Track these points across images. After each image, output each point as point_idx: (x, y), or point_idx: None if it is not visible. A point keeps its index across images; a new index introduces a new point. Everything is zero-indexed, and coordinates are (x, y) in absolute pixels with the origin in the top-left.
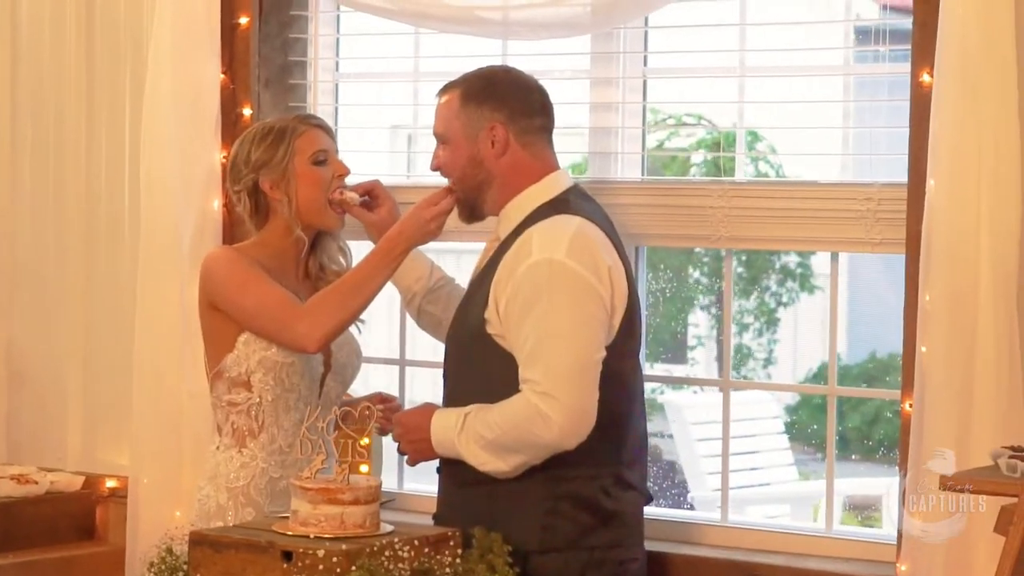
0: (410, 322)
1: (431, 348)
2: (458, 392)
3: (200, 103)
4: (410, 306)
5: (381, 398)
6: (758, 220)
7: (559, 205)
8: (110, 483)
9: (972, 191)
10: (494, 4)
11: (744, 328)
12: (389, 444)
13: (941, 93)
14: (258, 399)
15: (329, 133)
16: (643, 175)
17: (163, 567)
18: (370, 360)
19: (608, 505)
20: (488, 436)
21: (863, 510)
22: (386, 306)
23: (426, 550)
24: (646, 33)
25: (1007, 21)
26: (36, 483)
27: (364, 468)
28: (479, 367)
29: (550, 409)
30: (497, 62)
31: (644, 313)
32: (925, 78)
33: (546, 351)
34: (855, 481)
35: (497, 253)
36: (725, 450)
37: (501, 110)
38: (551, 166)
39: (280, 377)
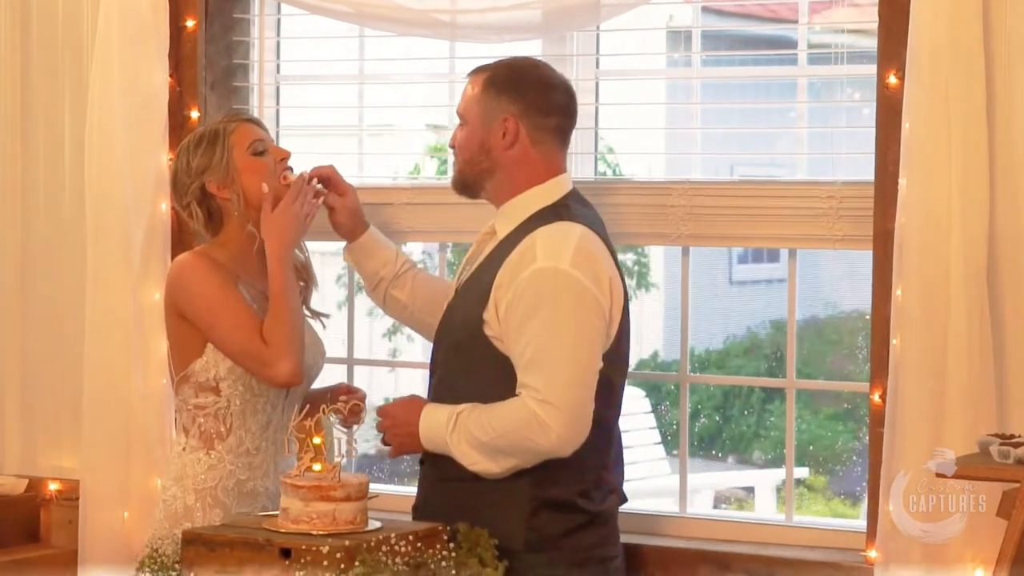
0: (358, 320)
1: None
2: (448, 387)
3: (149, 106)
4: (376, 292)
5: (346, 389)
6: (718, 218)
7: (561, 210)
8: (53, 486)
9: (943, 189)
10: (445, 7)
11: None
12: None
13: (911, 94)
14: (226, 403)
15: (260, 125)
16: (596, 174)
17: (154, 566)
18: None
19: (591, 507)
20: (482, 438)
21: (735, 502)
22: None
23: (419, 544)
24: (598, 36)
25: (975, 22)
26: None
27: (317, 467)
28: (473, 366)
29: (549, 417)
30: (444, 65)
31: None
32: (891, 79)
33: (547, 360)
34: (723, 475)
35: (496, 251)
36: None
37: (518, 103)
38: (557, 168)
39: (249, 383)
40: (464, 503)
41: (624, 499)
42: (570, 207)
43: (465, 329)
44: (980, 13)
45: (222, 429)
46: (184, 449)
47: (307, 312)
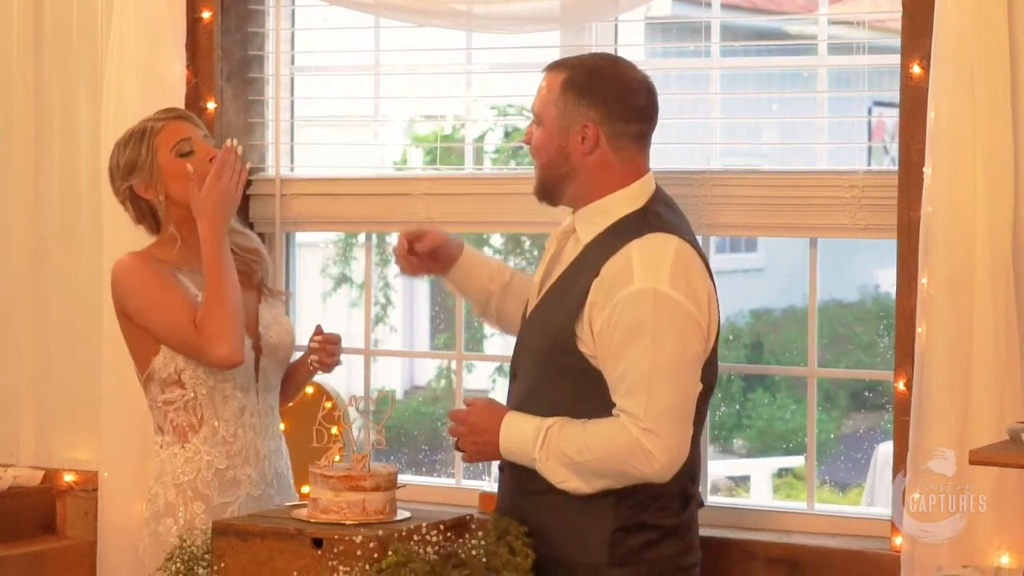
0: (342, 309)
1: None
2: (535, 398)
3: (165, 98)
4: (487, 310)
5: (318, 330)
6: (739, 207)
7: (652, 219)
8: (68, 477)
9: (968, 177)
10: None
11: None
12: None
13: (937, 83)
14: (193, 394)
15: (191, 121)
16: None
17: (184, 556)
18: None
19: (673, 519)
20: (576, 458)
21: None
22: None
23: (449, 534)
24: (616, 27)
25: (1000, 11)
26: None
27: (337, 458)
28: (564, 378)
29: (653, 447)
30: (461, 56)
31: None
32: (915, 69)
33: (649, 386)
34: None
35: (583, 258)
36: None
37: (599, 109)
38: (640, 171)
39: (211, 370)
40: (545, 517)
41: (702, 503)
42: (661, 215)
43: (555, 339)
44: (1006, 1)
45: (194, 420)
46: (161, 446)
47: (266, 291)
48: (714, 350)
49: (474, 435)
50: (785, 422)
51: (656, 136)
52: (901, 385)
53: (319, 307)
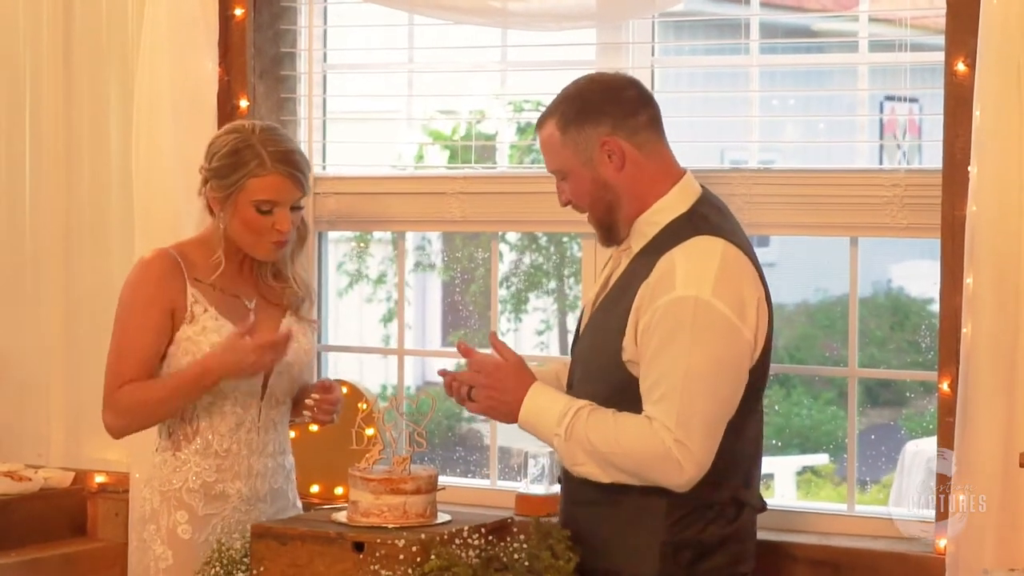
0: (356, 307)
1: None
2: None
3: (198, 96)
4: None
5: (323, 386)
6: (779, 206)
7: (698, 222)
8: (99, 478)
9: (1015, 176)
10: None
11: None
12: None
13: (983, 80)
14: (192, 405)
15: (293, 179)
16: None
17: (223, 560)
18: (368, 350)
19: (727, 529)
20: (602, 449)
21: None
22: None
23: (490, 537)
24: (654, 24)
25: None
26: (30, 480)
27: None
28: (613, 393)
29: (683, 459)
30: (496, 53)
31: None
32: (960, 67)
33: (682, 396)
34: None
35: (631, 268)
36: None
37: (604, 122)
38: (676, 170)
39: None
40: (594, 527)
41: (763, 507)
42: (708, 217)
43: (604, 356)
44: None
45: (188, 431)
46: (156, 449)
47: (295, 319)
48: (768, 349)
49: (494, 391)
50: (801, 419)
51: (693, 134)
52: (945, 386)
53: (334, 303)
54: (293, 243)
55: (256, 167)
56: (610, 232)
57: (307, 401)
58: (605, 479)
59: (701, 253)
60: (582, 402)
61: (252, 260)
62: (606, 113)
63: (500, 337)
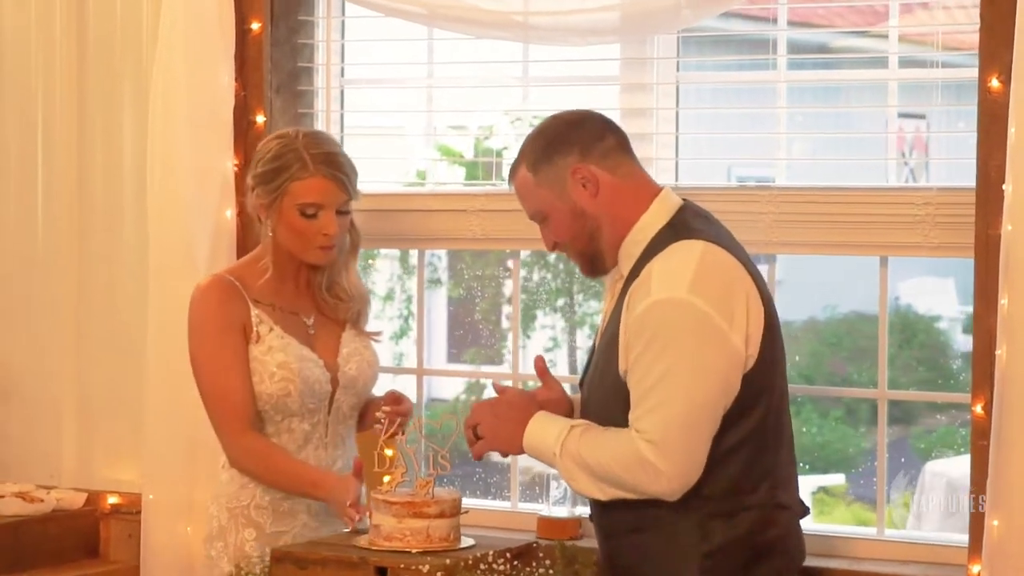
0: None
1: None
2: None
3: (214, 110)
4: None
5: (394, 397)
6: (808, 225)
7: (678, 228)
8: (112, 499)
9: None
10: (519, 8)
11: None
12: None
13: (1018, 97)
14: (260, 422)
15: (336, 181)
16: (677, 181)
17: None
18: (386, 370)
19: (766, 538)
20: (589, 461)
21: None
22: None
23: (515, 562)
24: (678, 39)
25: None
26: (42, 501)
27: (386, 479)
28: (621, 421)
29: (659, 460)
30: (518, 68)
31: None
32: (994, 83)
33: (659, 398)
34: None
35: (622, 292)
36: None
37: (572, 151)
38: (653, 187)
39: (278, 404)
40: (632, 557)
41: (805, 511)
42: (689, 223)
43: (612, 384)
44: None
45: None
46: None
47: (355, 332)
48: (775, 346)
49: (499, 422)
50: (812, 436)
51: (718, 151)
52: (979, 408)
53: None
54: (346, 252)
55: (298, 170)
56: (594, 262)
57: (377, 414)
58: (601, 495)
59: (678, 255)
60: (579, 421)
61: (308, 275)
62: (572, 142)
63: (507, 355)
